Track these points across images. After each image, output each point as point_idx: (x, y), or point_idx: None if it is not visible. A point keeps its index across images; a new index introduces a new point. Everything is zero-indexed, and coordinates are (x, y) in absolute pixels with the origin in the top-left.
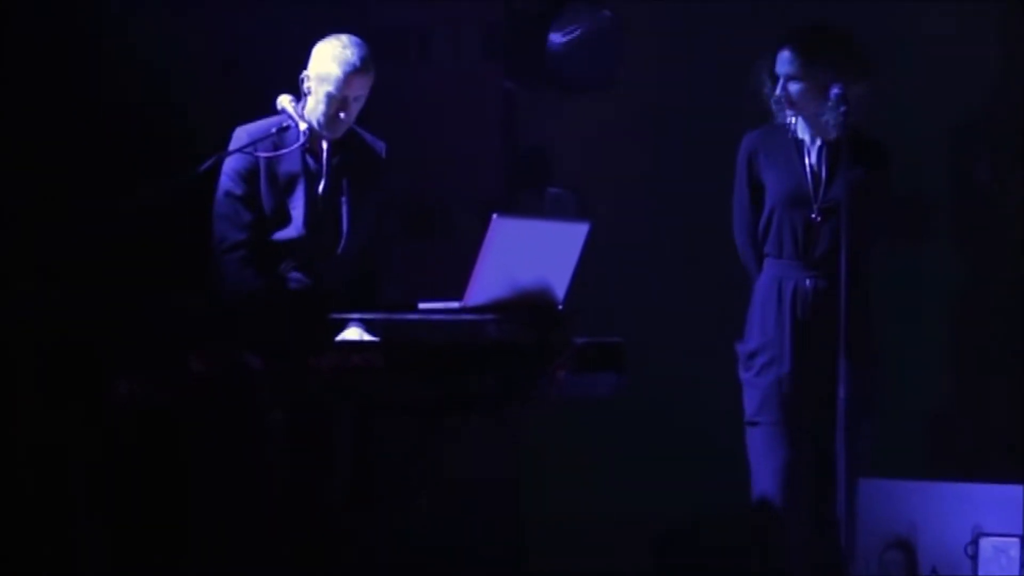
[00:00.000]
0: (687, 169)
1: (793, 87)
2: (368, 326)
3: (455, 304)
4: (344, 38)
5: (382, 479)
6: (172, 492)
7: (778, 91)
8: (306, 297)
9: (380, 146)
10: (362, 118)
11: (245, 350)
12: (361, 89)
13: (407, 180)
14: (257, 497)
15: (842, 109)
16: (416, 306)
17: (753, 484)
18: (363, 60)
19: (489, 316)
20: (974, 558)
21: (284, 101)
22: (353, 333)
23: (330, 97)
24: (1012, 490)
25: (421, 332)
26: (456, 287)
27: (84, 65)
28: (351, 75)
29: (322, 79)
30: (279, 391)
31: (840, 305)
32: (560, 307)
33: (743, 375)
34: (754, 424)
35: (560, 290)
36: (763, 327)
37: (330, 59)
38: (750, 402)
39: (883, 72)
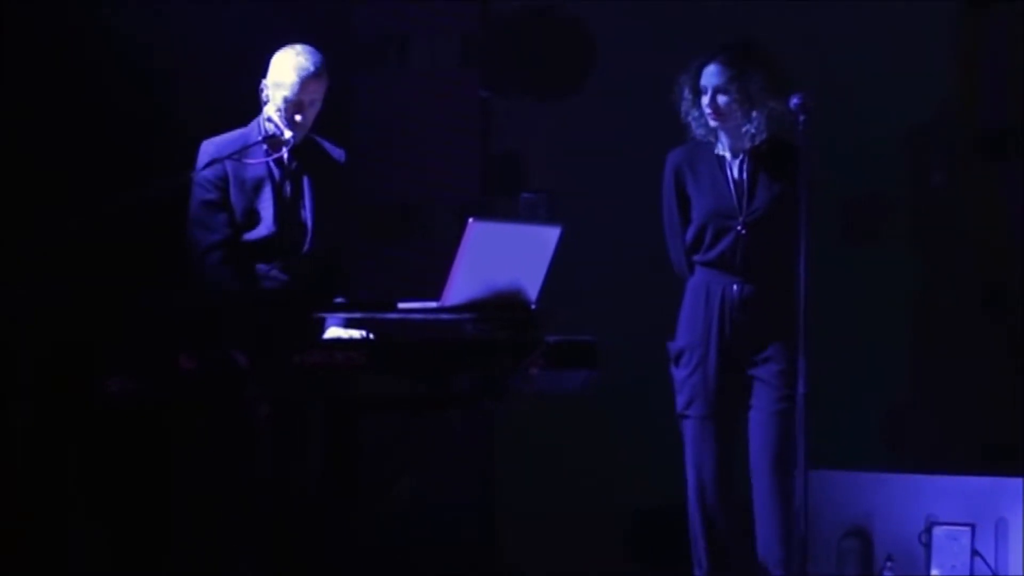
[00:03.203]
0: (657, 174)
1: (722, 99)
2: (350, 324)
3: (433, 304)
4: (299, 47)
5: (361, 473)
6: (161, 488)
7: (706, 102)
8: (285, 294)
9: (339, 153)
10: (342, 121)
11: (232, 348)
12: (316, 93)
13: (386, 183)
14: (244, 491)
15: (801, 119)
16: (396, 306)
17: (687, 475)
18: (316, 66)
19: (465, 315)
20: (927, 546)
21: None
22: (338, 332)
23: (287, 101)
24: (964, 481)
25: (401, 330)
26: (433, 288)
27: (81, 64)
28: (306, 80)
29: (279, 85)
30: (265, 388)
31: (799, 308)
32: (533, 307)
33: (673, 371)
34: (684, 417)
35: (533, 290)
36: (691, 327)
37: (286, 66)
38: (680, 397)
39: (840, 75)
